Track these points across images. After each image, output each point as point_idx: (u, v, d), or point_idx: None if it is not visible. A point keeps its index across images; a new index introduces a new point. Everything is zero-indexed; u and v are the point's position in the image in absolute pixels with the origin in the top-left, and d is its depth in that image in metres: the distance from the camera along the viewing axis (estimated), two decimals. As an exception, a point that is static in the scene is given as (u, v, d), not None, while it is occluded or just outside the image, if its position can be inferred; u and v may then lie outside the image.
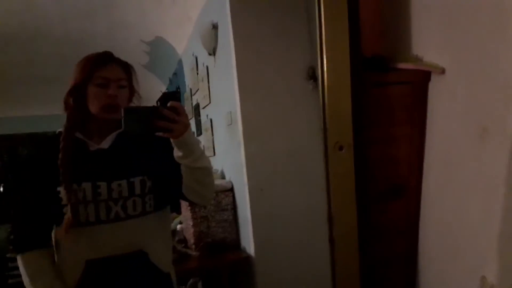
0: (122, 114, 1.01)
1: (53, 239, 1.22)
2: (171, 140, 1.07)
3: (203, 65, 2.80)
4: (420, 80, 1.34)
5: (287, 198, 2.09)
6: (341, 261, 0.89)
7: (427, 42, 1.43)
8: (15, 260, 4.07)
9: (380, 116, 1.08)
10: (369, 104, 1.04)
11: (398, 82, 1.26)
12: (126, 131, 1.03)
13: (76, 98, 1.20)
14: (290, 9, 2.15)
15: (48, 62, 4.31)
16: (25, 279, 1.17)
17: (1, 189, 5.55)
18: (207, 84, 2.75)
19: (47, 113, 5.48)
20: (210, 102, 2.75)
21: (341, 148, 0.89)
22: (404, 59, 1.43)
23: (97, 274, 1.16)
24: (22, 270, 1.17)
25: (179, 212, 2.68)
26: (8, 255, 5.01)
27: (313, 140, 2.13)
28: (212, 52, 2.50)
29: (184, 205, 2.38)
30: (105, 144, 1.22)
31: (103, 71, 1.18)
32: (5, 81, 4.75)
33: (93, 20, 3.39)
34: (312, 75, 2.12)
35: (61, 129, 1.23)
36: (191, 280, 2.56)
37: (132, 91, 1.28)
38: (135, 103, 1.30)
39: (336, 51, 0.91)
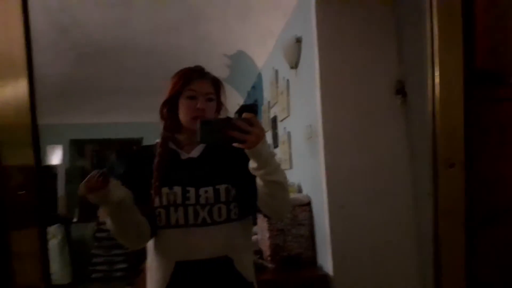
0: (198, 126, 1.07)
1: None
2: (245, 151, 1.09)
3: (283, 79, 2.82)
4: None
5: (369, 216, 2.00)
6: (447, 281, 0.83)
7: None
8: (98, 255, 4.39)
9: (492, 133, 1.00)
10: (480, 120, 0.96)
11: (510, 98, 1.15)
12: (201, 141, 1.09)
13: (169, 108, 1.30)
14: (378, 20, 2.09)
15: (135, 74, 4.63)
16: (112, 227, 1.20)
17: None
18: (286, 97, 2.75)
19: (132, 120, 5.89)
20: (288, 115, 2.75)
21: (452, 166, 0.83)
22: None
23: (186, 275, 1.21)
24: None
25: (255, 223, 2.70)
26: (93, 251, 5.41)
27: (399, 158, 2.03)
28: (294, 66, 2.51)
29: (260, 216, 2.39)
30: (195, 153, 1.30)
31: (194, 84, 1.27)
32: (96, 89, 5.18)
33: (179, 34, 3.58)
34: (400, 90, 2.03)
35: (158, 140, 1.33)
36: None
37: (219, 105, 1.35)
38: (221, 115, 1.36)
39: (448, 63, 0.85)
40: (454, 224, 0.86)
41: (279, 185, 1.16)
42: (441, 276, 0.84)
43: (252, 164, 1.12)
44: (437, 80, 0.90)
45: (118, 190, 1.13)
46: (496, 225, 1.09)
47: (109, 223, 1.18)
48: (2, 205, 0.75)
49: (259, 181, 1.16)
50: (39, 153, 0.85)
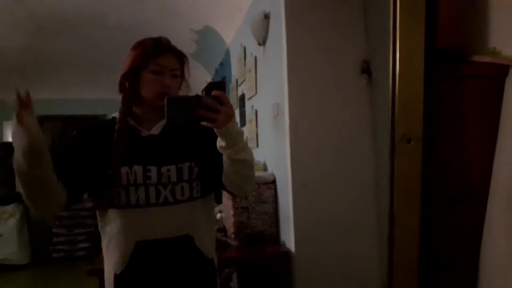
0: (165, 104, 1.02)
1: (102, 220, 1.25)
2: (214, 130, 1.06)
3: (251, 56, 2.78)
4: (497, 74, 1.24)
5: (332, 195, 2.03)
6: (400, 262, 0.84)
7: (507, 35, 1.33)
8: (60, 235, 4.26)
9: (451, 112, 1.01)
10: (441, 98, 0.97)
11: (473, 76, 1.16)
12: (169, 120, 1.04)
13: (130, 82, 1.23)
14: (346, 1, 2.08)
15: (99, 48, 4.45)
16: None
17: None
18: (254, 75, 2.72)
19: (95, 97, 5.69)
20: (256, 93, 2.73)
21: (409, 141, 0.83)
22: (480, 52, 1.33)
23: (146, 254, 1.19)
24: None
25: (220, 201, 2.69)
26: (54, 230, 5.26)
27: (363, 137, 2.06)
28: (262, 43, 2.47)
29: (225, 194, 2.38)
30: (156, 130, 1.25)
31: (160, 59, 1.20)
32: (57, 64, 4.95)
33: (145, 7, 3.44)
34: (365, 69, 2.05)
35: (115, 115, 1.27)
36: (226, 270, 2.56)
37: (182, 80, 1.29)
38: (183, 92, 1.31)
39: (410, 39, 0.85)
40: (409, 200, 0.87)
41: (246, 164, 1.15)
42: (393, 254, 0.86)
43: (220, 143, 1.09)
44: (398, 55, 0.90)
45: (35, 129, 1.01)
46: (453, 205, 1.12)
47: (19, 176, 1.03)
48: None
49: (225, 159, 1.13)
50: None
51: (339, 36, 2.07)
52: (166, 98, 1.03)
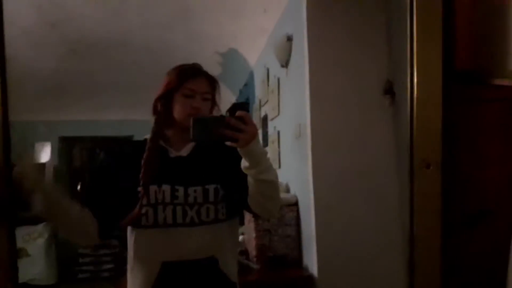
0: (191, 123, 1.05)
1: (129, 240, 1.26)
2: (238, 149, 1.07)
3: (274, 77, 2.79)
4: (517, 97, 1.20)
5: (356, 217, 1.98)
6: (422, 286, 0.80)
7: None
8: (85, 255, 4.32)
9: (471, 134, 0.98)
10: (459, 121, 0.94)
11: (493, 99, 1.13)
12: (194, 139, 1.08)
13: (164, 104, 1.28)
14: (369, 19, 2.08)
15: (126, 70, 4.58)
16: None
17: (79, 188, 5.96)
18: (277, 96, 2.73)
19: (121, 118, 5.83)
20: (278, 114, 2.73)
21: (428, 166, 0.80)
22: (500, 75, 1.30)
23: (172, 276, 1.19)
24: None
25: (242, 223, 2.66)
26: (79, 251, 5.34)
27: (387, 158, 2.01)
28: (285, 64, 2.49)
29: (247, 216, 2.35)
30: (184, 152, 1.28)
31: (191, 83, 1.25)
32: (87, 86, 5.13)
33: (172, 30, 3.54)
34: (389, 90, 2.01)
35: (147, 136, 1.30)
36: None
37: (214, 104, 1.33)
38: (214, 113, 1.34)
39: (427, 63, 0.83)
40: (429, 224, 0.84)
41: (270, 184, 1.14)
42: (414, 276, 0.82)
43: (244, 163, 1.10)
44: (415, 79, 0.88)
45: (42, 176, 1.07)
46: (474, 226, 1.07)
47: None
48: None
49: (250, 180, 1.13)
50: (9, 151, 0.82)
51: (362, 56, 2.06)
52: (192, 118, 1.06)
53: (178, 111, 1.24)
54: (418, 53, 0.86)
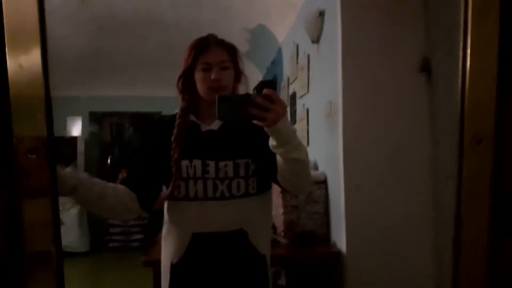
0: (216, 102, 1.03)
1: (165, 211, 1.31)
2: (265, 129, 1.05)
3: (304, 53, 2.76)
4: None
5: (386, 196, 1.97)
6: (467, 268, 0.79)
7: None
8: (116, 226, 4.49)
9: None
10: None
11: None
12: (219, 118, 1.07)
13: (185, 82, 1.29)
14: (405, -5, 2.00)
15: (156, 47, 4.61)
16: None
17: (109, 162, 6.14)
18: (306, 73, 2.70)
19: (151, 94, 5.91)
20: (308, 91, 2.71)
21: (479, 142, 0.78)
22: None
23: (202, 246, 1.23)
24: None
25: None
26: (110, 221, 5.55)
27: (420, 138, 1.98)
28: (316, 40, 2.45)
29: (275, 192, 2.37)
30: (215, 126, 1.28)
31: (206, 56, 1.23)
32: (117, 63, 5.20)
33: (200, 6, 3.53)
34: (425, 67, 1.96)
35: (177, 111, 1.32)
36: (273, 268, 2.57)
37: (238, 73, 1.31)
38: (243, 83, 1.33)
39: (483, 32, 0.79)
40: (478, 203, 0.82)
41: (300, 163, 1.13)
42: (460, 262, 0.81)
43: (272, 142, 1.09)
44: (468, 50, 0.84)
45: (68, 179, 1.10)
46: None
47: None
48: (14, 174, 0.75)
49: (279, 158, 1.14)
50: (51, 123, 0.85)
51: (397, 32, 2.00)
52: (216, 96, 1.04)
53: (200, 87, 1.25)
54: (473, 22, 0.82)
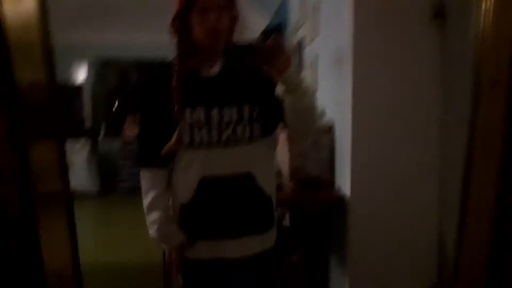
0: (222, 53, 1.03)
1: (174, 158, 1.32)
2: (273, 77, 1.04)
3: (315, -4, 2.65)
4: None
5: (393, 144, 1.98)
6: (474, 208, 0.82)
7: None
8: (126, 167, 4.59)
9: None
10: None
11: None
12: (227, 68, 1.06)
13: (179, 25, 1.23)
14: None
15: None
16: (142, 192, 1.30)
17: (114, 109, 6.16)
18: (317, 16, 2.62)
19: (159, 40, 5.78)
20: (317, 36, 2.64)
21: (494, 84, 0.78)
22: None
23: (210, 189, 1.26)
24: (141, 182, 1.31)
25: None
26: (120, 163, 5.67)
27: (431, 86, 1.96)
28: (328, -18, 2.35)
29: (281, 138, 2.40)
30: (214, 71, 1.26)
31: None
32: (122, 8, 5.04)
33: None
34: (439, 12, 1.89)
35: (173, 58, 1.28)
36: (279, 210, 2.65)
37: (235, 15, 1.26)
38: (239, 26, 1.28)
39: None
40: (490, 149, 0.83)
41: (308, 109, 1.15)
42: (469, 197, 0.83)
43: (280, 89, 1.09)
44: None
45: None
46: None
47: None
48: (20, 121, 0.76)
49: (287, 105, 1.14)
50: (53, 69, 0.85)
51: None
52: (222, 48, 1.02)
53: (197, 30, 1.20)
54: None
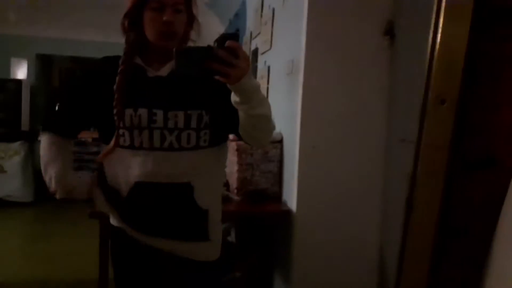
0: (174, 55, 0.95)
1: (108, 160, 1.23)
2: (228, 85, 0.99)
3: (269, 7, 2.65)
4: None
5: (339, 159, 1.99)
6: (417, 225, 0.81)
7: None
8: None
9: (489, 74, 0.93)
10: (480, 60, 0.89)
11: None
12: (178, 73, 0.98)
13: (131, 22, 1.17)
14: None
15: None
16: (41, 159, 1.27)
17: (57, 108, 5.80)
18: (270, 28, 2.61)
19: (103, 39, 5.55)
20: (270, 48, 2.63)
21: (442, 102, 0.77)
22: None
23: (143, 194, 1.18)
24: (41, 149, 1.27)
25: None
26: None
27: (378, 101, 1.99)
28: (282, -6, 2.35)
29: (231, 149, 2.35)
30: (164, 71, 1.18)
31: None
32: (68, 3, 4.80)
33: None
34: (389, 30, 1.94)
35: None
36: (225, 224, 2.58)
37: (191, 18, 1.22)
38: (195, 30, 1.25)
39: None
40: (435, 162, 0.82)
41: (264, 118, 1.10)
42: (412, 213, 0.82)
43: (234, 98, 1.03)
44: (442, 9, 0.81)
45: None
46: (477, 171, 1.06)
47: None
48: None
49: (241, 114, 1.08)
50: None
51: (364, -7, 1.95)
52: (174, 49, 0.95)
53: (148, 28, 1.15)
54: None
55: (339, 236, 2.00)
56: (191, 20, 1.22)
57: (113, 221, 1.30)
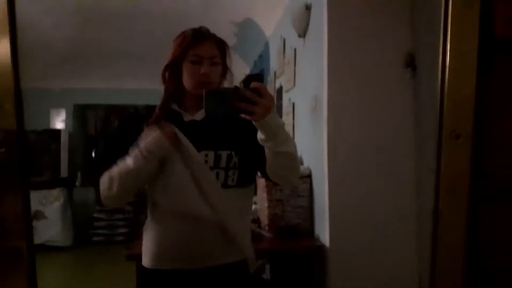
0: (203, 96, 1.03)
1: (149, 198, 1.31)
2: (253, 122, 1.05)
3: (291, 48, 2.75)
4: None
5: (370, 191, 1.98)
6: (444, 263, 0.80)
7: None
8: (100, 219, 4.44)
9: (503, 106, 0.94)
10: (495, 92, 0.90)
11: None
12: (207, 113, 1.06)
13: (171, 73, 1.27)
14: (391, -10, 2.01)
15: (142, 39, 4.56)
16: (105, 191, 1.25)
17: (93, 155, 6.06)
18: (293, 67, 2.70)
19: (137, 87, 5.84)
20: (294, 86, 2.71)
21: (458, 137, 0.79)
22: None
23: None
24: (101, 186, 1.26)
25: (254, 192, 2.70)
26: (95, 215, 5.49)
27: (404, 133, 1.99)
28: (302, 34, 2.44)
29: (260, 186, 2.38)
30: (199, 116, 1.27)
31: (197, 48, 1.22)
32: (102, 55, 5.13)
33: (187, -1, 3.49)
34: (410, 63, 1.98)
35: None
36: (259, 261, 2.57)
37: (225, 68, 1.31)
38: (228, 80, 1.33)
39: (463, 29, 0.80)
40: (456, 198, 0.83)
41: (288, 156, 1.14)
42: (437, 254, 0.82)
43: (260, 135, 1.09)
44: (448, 46, 0.85)
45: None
46: (500, 203, 1.04)
47: (119, 181, 1.21)
48: None
49: (267, 151, 1.14)
50: (21, 115, 0.82)
51: (383, 27, 2.01)
52: (204, 90, 1.03)
53: (187, 79, 1.24)
54: (453, 19, 0.82)
55: (376, 270, 1.96)
56: (225, 71, 1.31)
57: (144, 261, 1.32)
